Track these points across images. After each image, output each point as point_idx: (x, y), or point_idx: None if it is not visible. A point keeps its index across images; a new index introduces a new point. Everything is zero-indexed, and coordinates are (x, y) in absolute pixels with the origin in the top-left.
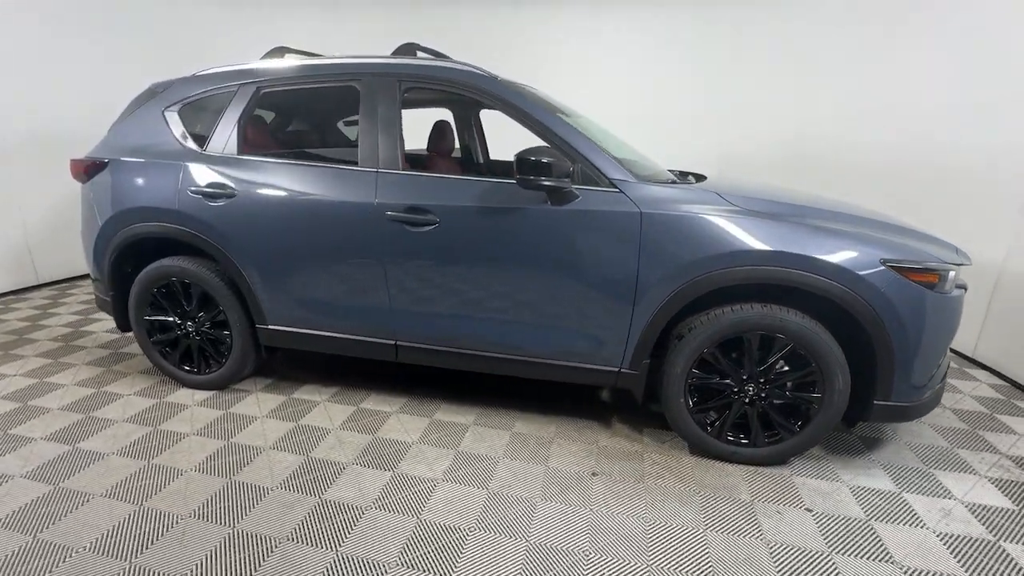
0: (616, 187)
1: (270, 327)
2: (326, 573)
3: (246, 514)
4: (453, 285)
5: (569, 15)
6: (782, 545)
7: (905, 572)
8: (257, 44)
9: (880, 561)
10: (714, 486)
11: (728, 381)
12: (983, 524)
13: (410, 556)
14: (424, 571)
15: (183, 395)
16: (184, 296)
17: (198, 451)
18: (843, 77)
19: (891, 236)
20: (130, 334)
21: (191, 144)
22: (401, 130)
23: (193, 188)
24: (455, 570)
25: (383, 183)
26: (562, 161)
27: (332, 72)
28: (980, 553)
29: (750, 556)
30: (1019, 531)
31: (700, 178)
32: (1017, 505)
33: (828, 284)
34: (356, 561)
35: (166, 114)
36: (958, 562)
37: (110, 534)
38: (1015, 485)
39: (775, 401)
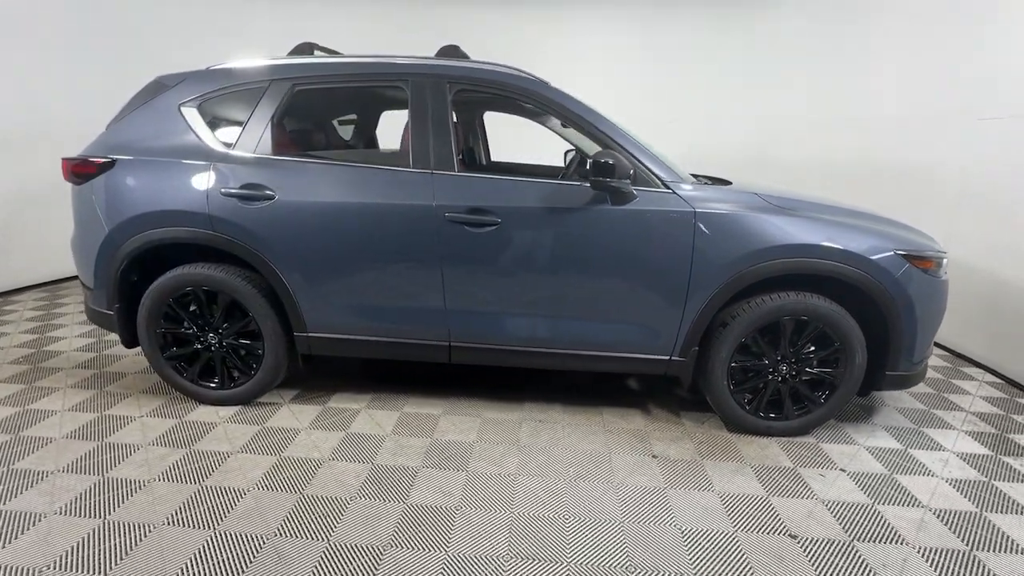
0: (669, 188)
1: (311, 335)
2: (443, 574)
3: (335, 526)
4: (513, 284)
5: (543, 16)
6: (834, 501)
7: (935, 513)
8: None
9: (912, 507)
10: (759, 457)
11: (765, 362)
12: (975, 469)
13: (517, 548)
14: (536, 560)
15: (205, 412)
16: (207, 306)
17: (252, 468)
18: (807, 87)
19: (893, 229)
20: (112, 351)
21: (215, 143)
22: (453, 132)
23: (225, 190)
24: (567, 557)
25: (440, 185)
26: (624, 163)
27: (377, 71)
28: (981, 491)
29: (812, 512)
30: (1003, 471)
31: (718, 181)
32: (993, 451)
33: (854, 272)
34: (467, 559)
35: (183, 110)
36: (969, 501)
37: (195, 562)
38: (985, 435)
39: (804, 378)
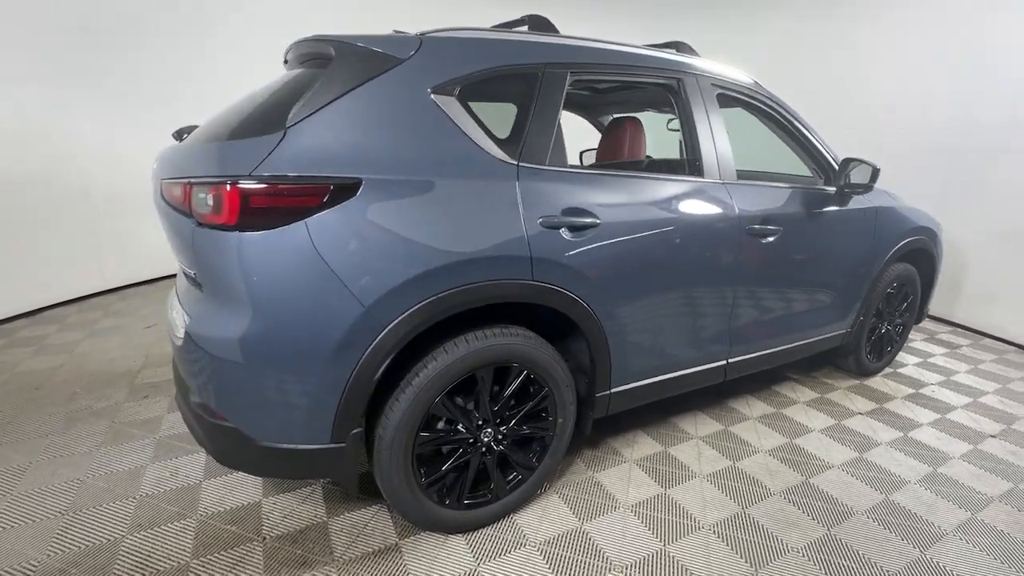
0: None
1: (613, 391)
2: None
3: None
4: (780, 288)
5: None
6: (967, 404)
7: (999, 394)
8: None
9: (982, 394)
10: (892, 391)
11: (878, 320)
12: (974, 374)
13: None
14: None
15: (484, 546)
16: (487, 391)
17: None
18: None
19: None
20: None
21: (497, 151)
22: (727, 136)
23: (546, 219)
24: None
25: (736, 195)
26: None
27: (654, 65)
28: (1002, 372)
29: (972, 418)
30: (1002, 359)
31: None
32: (953, 348)
33: (929, 242)
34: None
35: (438, 100)
36: (991, 381)
37: None
38: (949, 344)
39: (893, 325)
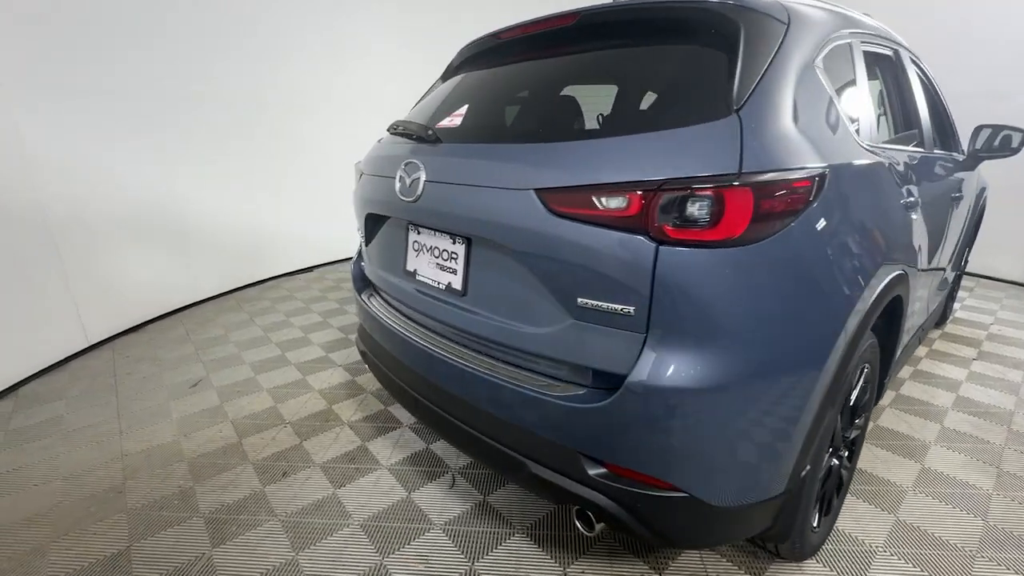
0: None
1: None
2: None
3: None
4: (952, 248)
5: None
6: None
7: None
8: None
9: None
10: (975, 334)
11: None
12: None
13: None
14: None
15: None
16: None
17: None
18: None
19: None
20: None
21: (850, 125)
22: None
23: (905, 201)
24: None
25: (943, 164)
26: None
27: (889, 37)
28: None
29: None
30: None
31: None
32: (970, 290)
33: (985, 201)
34: None
35: (821, 75)
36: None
37: None
38: (964, 288)
39: (959, 274)
